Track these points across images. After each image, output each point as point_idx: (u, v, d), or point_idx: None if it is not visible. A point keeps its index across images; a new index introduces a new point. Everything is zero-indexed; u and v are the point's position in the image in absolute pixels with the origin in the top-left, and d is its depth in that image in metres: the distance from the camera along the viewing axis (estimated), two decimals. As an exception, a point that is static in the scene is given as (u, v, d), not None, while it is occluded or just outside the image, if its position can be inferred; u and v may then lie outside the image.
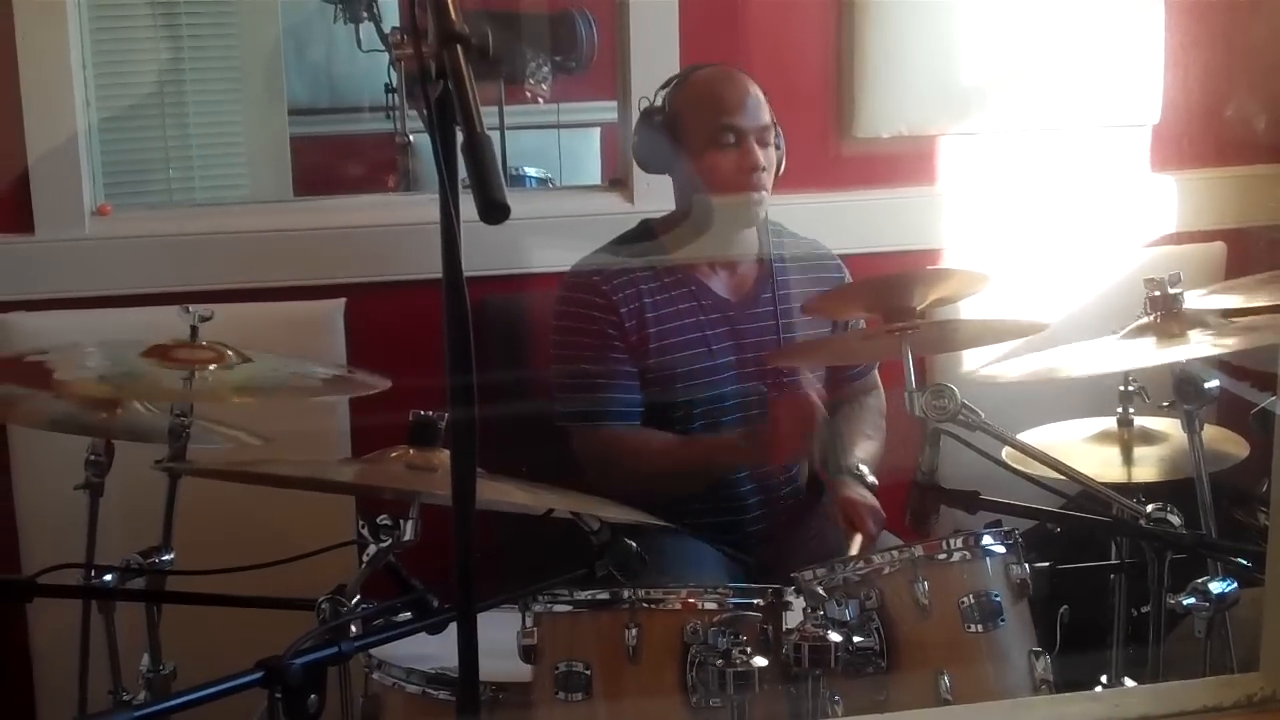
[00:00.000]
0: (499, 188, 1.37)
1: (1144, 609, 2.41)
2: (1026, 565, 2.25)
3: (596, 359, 2.85)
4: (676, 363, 2.87)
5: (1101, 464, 2.58)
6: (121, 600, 2.47)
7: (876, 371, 3.11)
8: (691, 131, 2.86)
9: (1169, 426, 2.65)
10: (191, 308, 2.47)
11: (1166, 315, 2.48)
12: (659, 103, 2.90)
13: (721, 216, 2.87)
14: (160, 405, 2.53)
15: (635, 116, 2.98)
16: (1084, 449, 2.64)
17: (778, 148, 2.88)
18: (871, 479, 2.74)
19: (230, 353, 2.42)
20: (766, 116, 2.84)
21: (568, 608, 2.18)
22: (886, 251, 3.43)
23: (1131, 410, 2.65)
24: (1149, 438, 2.66)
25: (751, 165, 2.81)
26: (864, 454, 2.87)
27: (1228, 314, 2.54)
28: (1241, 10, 3.60)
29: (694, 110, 2.86)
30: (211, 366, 2.37)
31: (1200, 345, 2.43)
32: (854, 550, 2.56)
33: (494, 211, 1.35)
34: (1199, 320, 2.48)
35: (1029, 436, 2.63)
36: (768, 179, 2.85)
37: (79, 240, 3.19)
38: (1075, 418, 2.75)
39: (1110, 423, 2.68)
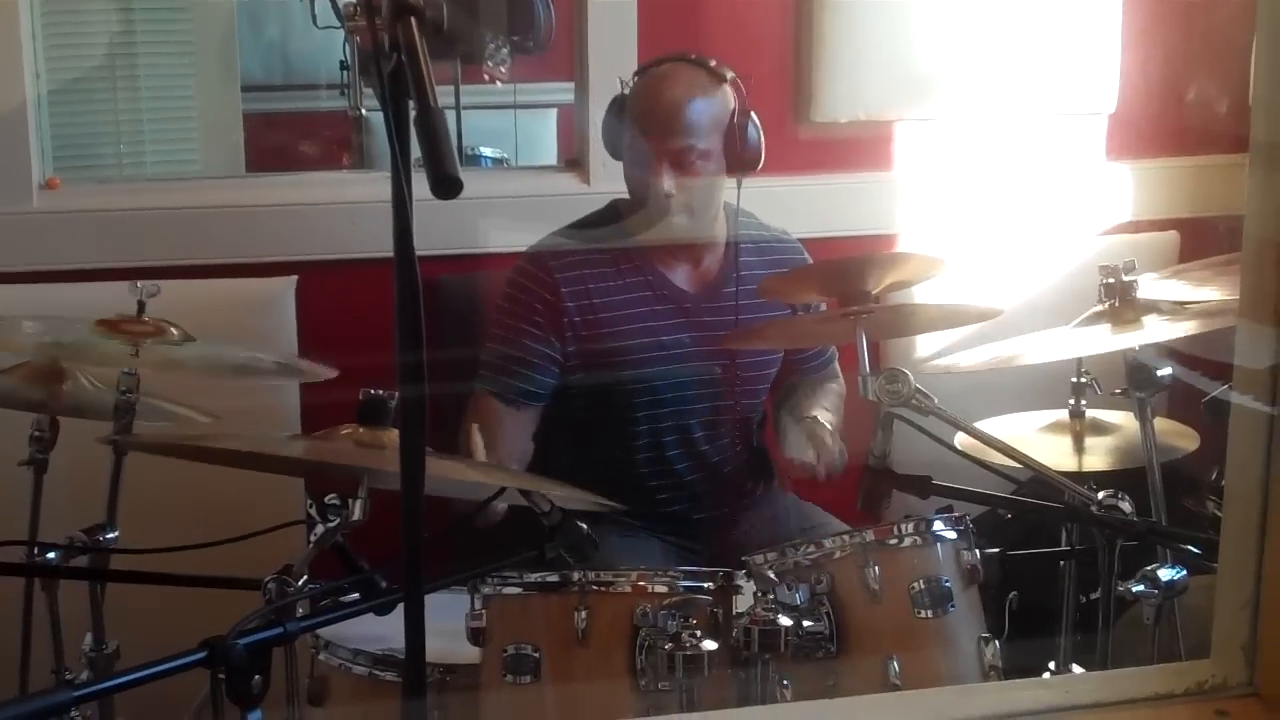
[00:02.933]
0: (451, 161, 1.34)
1: (1093, 595, 2.41)
2: (977, 551, 2.26)
3: (514, 340, 2.83)
4: (621, 350, 2.84)
5: (1054, 454, 2.58)
6: (65, 578, 2.44)
7: (837, 364, 3.09)
8: (630, 131, 2.83)
9: (1121, 419, 2.66)
10: (139, 283, 2.45)
11: (1121, 302, 2.49)
12: (625, 90, 2.86)
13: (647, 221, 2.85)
14: (106, 381, 2.50)
15: (592, 98, 2.96)
16: (1036, 439, 2.64)
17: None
18: (828, 422, 2.74)
19: (174, 330, 2.41)
20: (689, 137, 2.74)
21: (517, 590, 2.17)
22: (842, 236, 3.42)
23: (1084, 402, 2.66)
24: (1101, 428, 2.67)
25: (655, 184, 2.76)
26: (822, 415, 2.84)
27: (1181, 304, 2.55)
28: (1198, -1, 3.62)
29: (631, 113, 2.82)
30: (148, 341, 2.36)
31: (1155, 329, 2.43)
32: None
33: (445, 185, 1.33)
34: (1153, 307, 2.49)
35: (982, 428, 2.63)
36: (684, 200, 2.77)
37: (26, 214, 3.15)
38: (1028, 410, 2.75)
39: (1063, 414, 2.69)
